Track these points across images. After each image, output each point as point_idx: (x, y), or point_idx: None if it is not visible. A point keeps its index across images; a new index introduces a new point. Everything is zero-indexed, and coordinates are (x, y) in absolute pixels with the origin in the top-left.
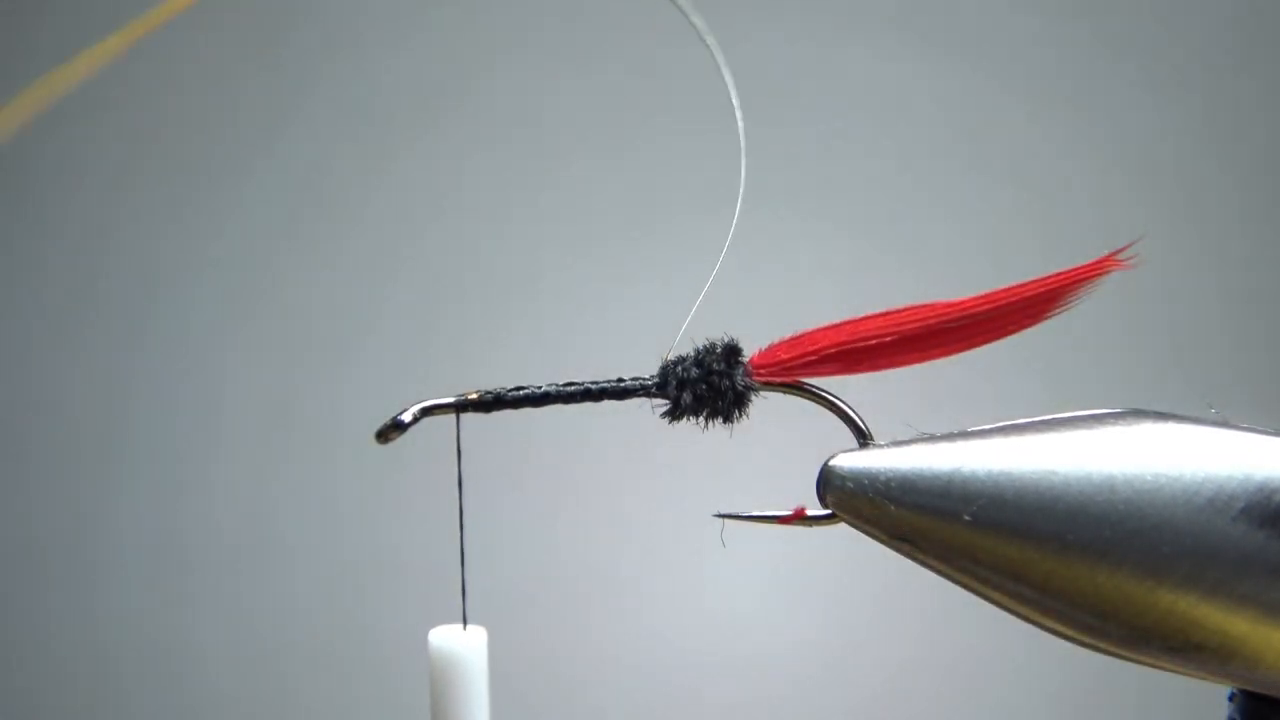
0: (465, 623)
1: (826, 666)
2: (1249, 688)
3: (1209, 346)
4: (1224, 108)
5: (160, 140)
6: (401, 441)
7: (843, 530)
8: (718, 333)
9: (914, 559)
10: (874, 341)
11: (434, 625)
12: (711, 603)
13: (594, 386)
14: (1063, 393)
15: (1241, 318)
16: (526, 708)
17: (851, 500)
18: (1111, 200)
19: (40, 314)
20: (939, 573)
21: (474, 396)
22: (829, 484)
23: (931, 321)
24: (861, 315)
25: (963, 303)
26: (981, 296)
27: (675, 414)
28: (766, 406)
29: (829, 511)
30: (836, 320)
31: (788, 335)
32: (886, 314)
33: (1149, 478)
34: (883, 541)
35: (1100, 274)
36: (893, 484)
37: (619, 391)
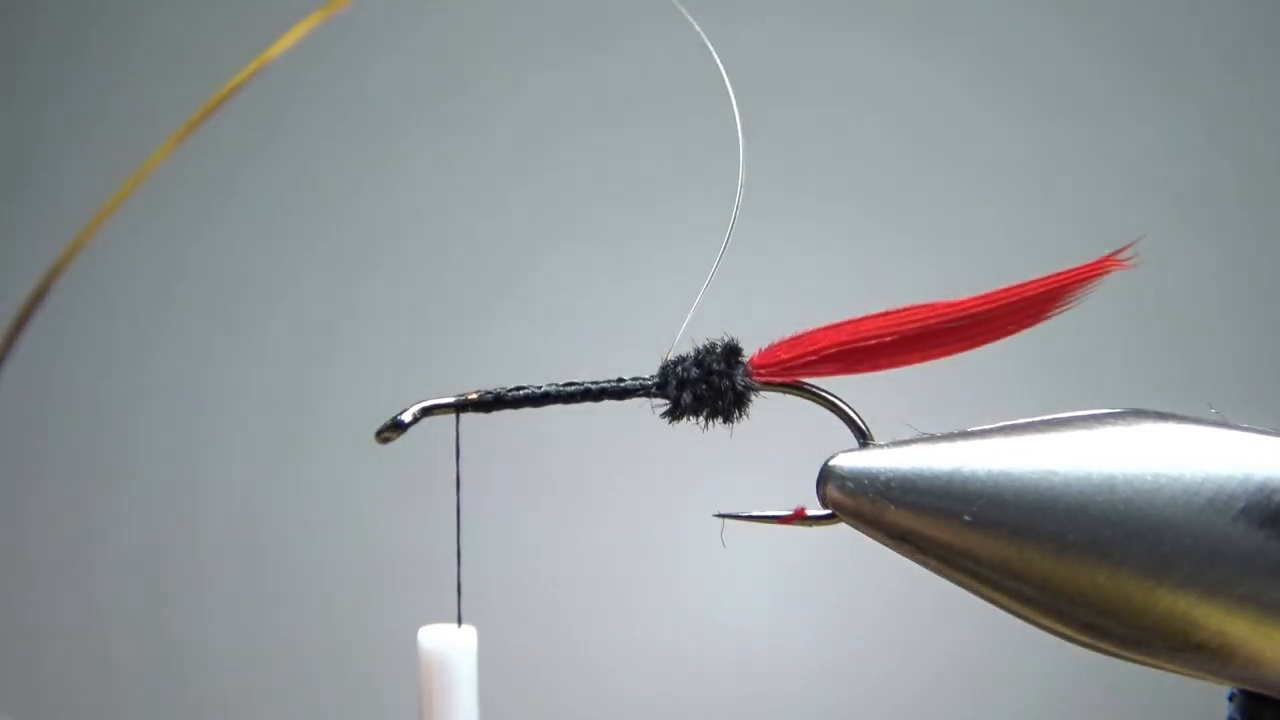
0: (460, 622)
1: (825, 666)
2: (1249, 688)
3: (1209, 346)
4: (1225, 108)
5: (158, 140)
6: (401, 441)
7: (843, 530)
8: (718, 332)
9: (914, 559)
10: (874, 341)
11: (430, 624)
12: (709, 603)
13: (594, 386)
14: (1063, 393)
15: (1241, 318)
16: (521, 708)
17: (851, 500)
18: (1112, 200)
19: (40, 314)
20: (939, 573)
21: (474, 396)
22: (829, 484)
23: (931, 322)
24: (861, 315)
25: (963, 303)
26: (981, 296)
27: (675, 414)
28: (766, 406)
29: (829, 511)
30: (836, 320)
31: (788, 335)
32: (886, 314)
33: (1149, 478)
34: (883, 542)
35: (1100, 274)
36: (893, 484)
37: (619, 391)
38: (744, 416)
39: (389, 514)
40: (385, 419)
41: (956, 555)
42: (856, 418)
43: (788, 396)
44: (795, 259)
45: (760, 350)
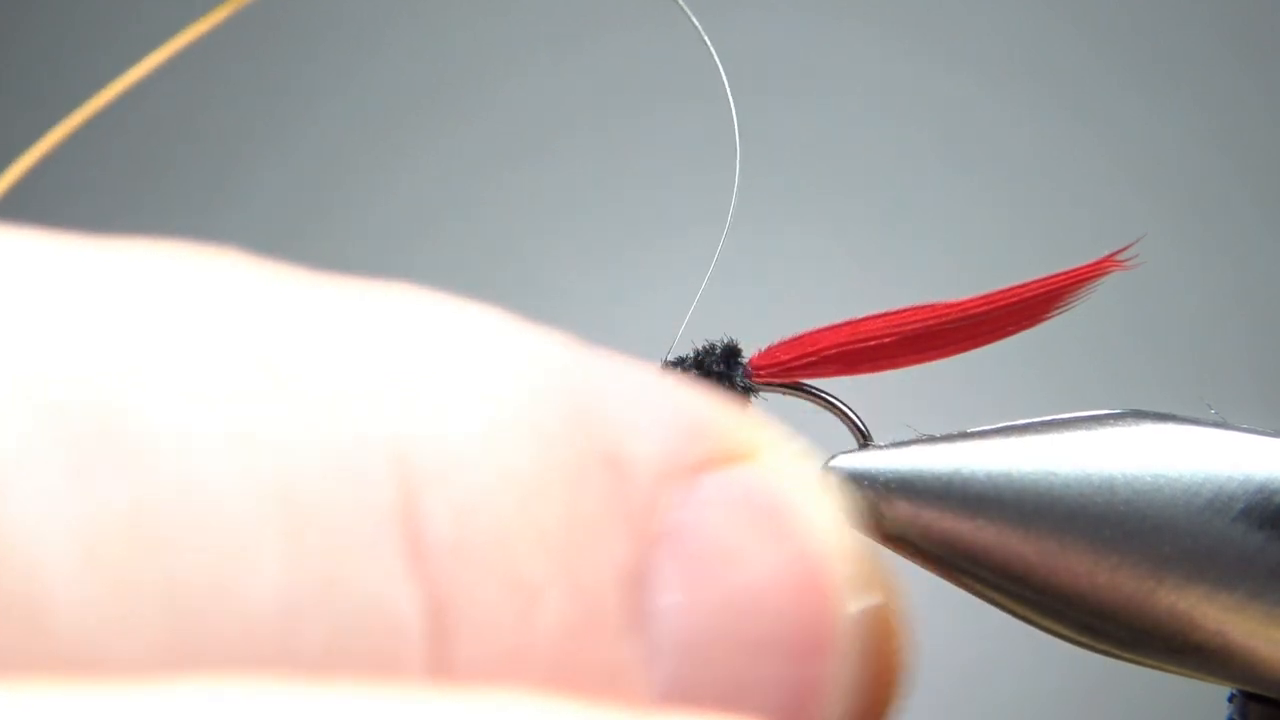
0: None
1: None
2: (1249, 688)
3: (1209, 346)
4: (1226, 108)
5: (161, 139)
6: None
7: None
8: (717, 333)
9: (913, 559)
10: (874, 342)
11: None
12: None
13: None
14: (1063, 393)
15: (1241, 318)
16: None
17: (851, 500)
18: (1111, 200)
19: None
20: (938, 573)
21: None
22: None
23: (932, 322)
24: (862, 316)
25: (963, 303)
26: (981, 297)
27: None
28: (766, 407)
29: None
30: (836, 320)
31: (787, 336)
32: (887, 315)
33: (1149, 478)
34: (881, 542)
35: (1100, 275)
36: (892, 484)
37: None
38: None
39: None
40: None
41: (955, 556)
42: (856, 418)
43: (787, 397)
44: (795, 259)
45: (760, 351)
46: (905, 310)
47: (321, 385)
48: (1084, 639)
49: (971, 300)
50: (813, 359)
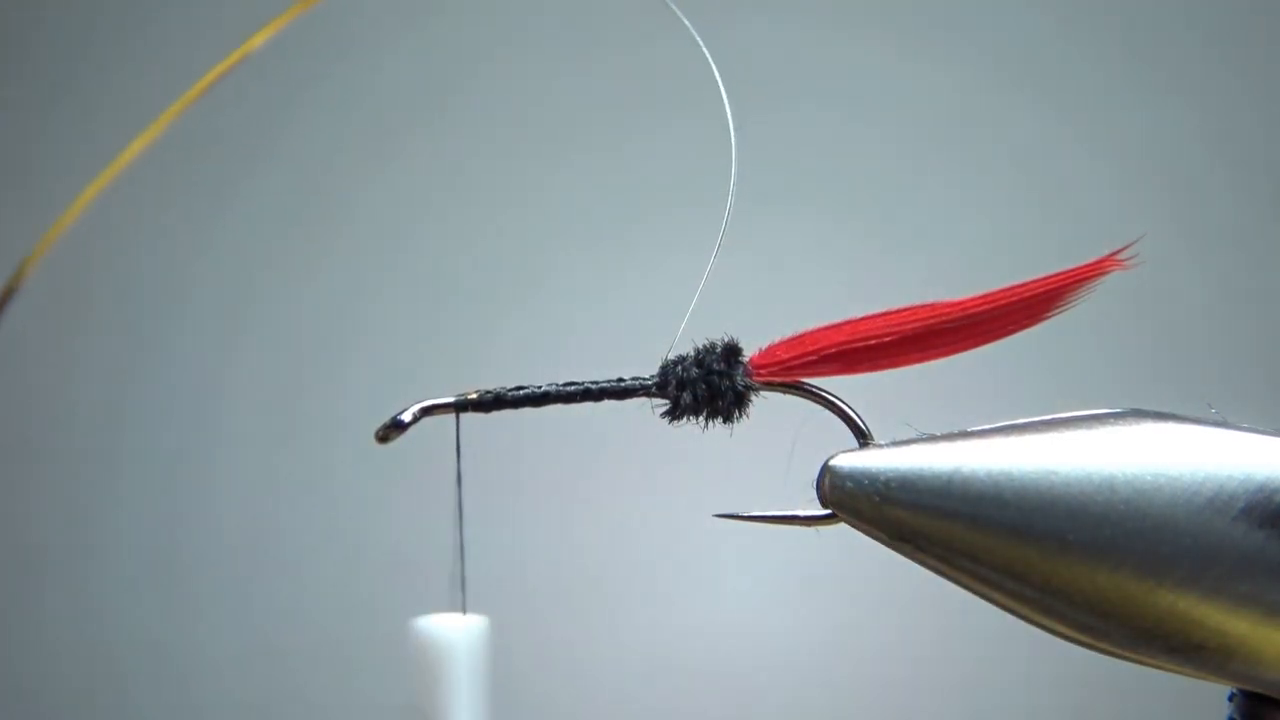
0: (465, 611)
1: (825, 665)
2: (1249, 688)
3: (1209, 346)
4: (1225, 108)
5: (156, 141)
6: (401, 441)
7: (842, 530)
8: (717, 332)
9: (914, 559)
10: (874, 341)
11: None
12: (709, 603)
13: (594, 386)
14: (1063, 393)
15: (1241, 318)
16: (520, 708)
17: (851, 500)
18: (1111, 200)
19: (40, 314)
20: (939, 573)
21: (474, 396)
22: (828, 484)
23: (932, 321)
24: (862, 315)
25: (963, 303)
26: (981, 296)
27: (675, 414)
28: (766, 406)
29: (829, 511)
30: (836, 320)
31: (788, 335)
32: (887, 314)
33: (1149, 478)
34: (883, 541)
35: (1100, 274)
36: (893, 484)
37: (619, 391)
38: (744, 416)
39: (391, 514)
40: (385, 419)
41: (956, 555)
42: (856, 418)
43: (787, 396)
44: (795, 258)
45: (760, 350)
46: (905, 309)
47: None
48: (1084, 638)
49: (971, 299)
50: (813, 358)
